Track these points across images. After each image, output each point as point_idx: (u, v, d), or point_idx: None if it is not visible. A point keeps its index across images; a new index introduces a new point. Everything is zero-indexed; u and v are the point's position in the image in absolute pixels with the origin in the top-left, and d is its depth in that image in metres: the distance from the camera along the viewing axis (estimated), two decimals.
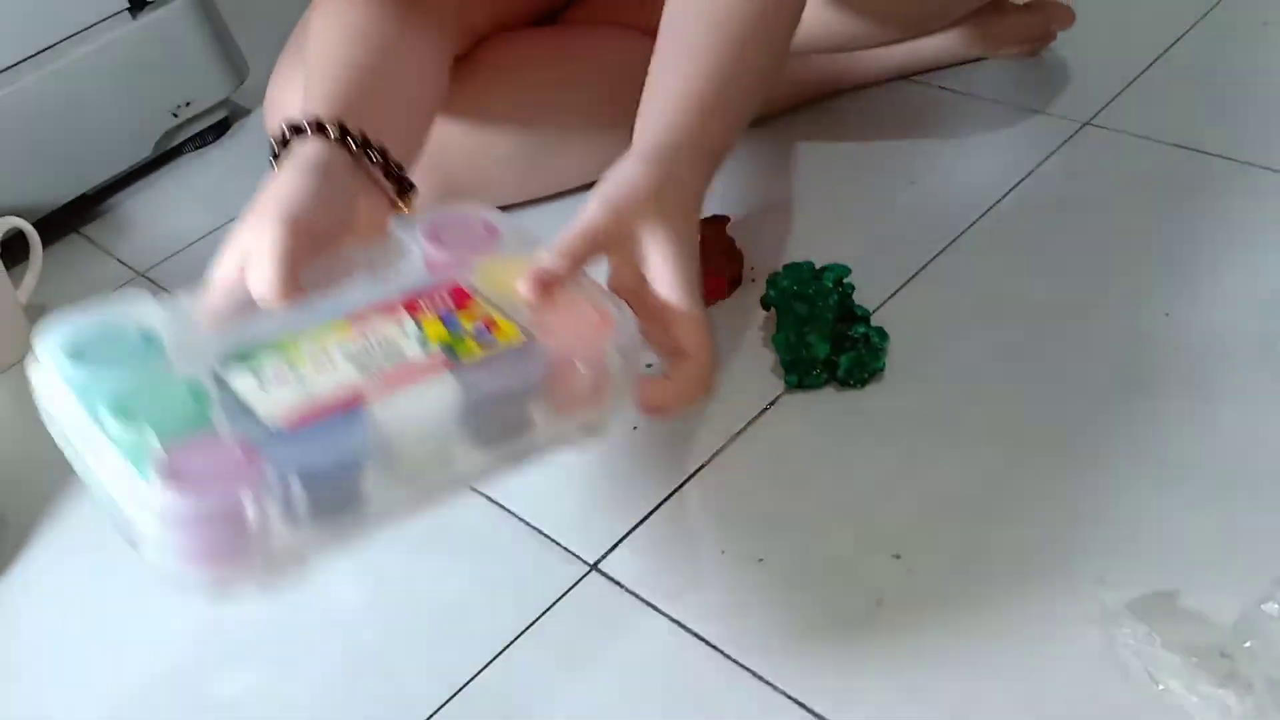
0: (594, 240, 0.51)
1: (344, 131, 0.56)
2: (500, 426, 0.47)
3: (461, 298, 0.48)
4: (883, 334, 0.67)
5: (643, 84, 0.81)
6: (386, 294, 0.49)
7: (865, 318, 0.67)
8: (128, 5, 0.92)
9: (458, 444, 0.46)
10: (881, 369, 0.66)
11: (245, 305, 0.49)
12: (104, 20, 0.91)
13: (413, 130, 0.63)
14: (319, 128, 0.55)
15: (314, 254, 0.50)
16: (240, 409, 0.43)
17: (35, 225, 0.86)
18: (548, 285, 0.48)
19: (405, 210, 0.58)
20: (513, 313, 0.48)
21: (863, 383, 0.66)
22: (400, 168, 0.58)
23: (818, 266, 0.69)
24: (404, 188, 0.58)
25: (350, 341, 0.46)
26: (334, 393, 0.43)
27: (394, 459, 0.44)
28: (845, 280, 0.68)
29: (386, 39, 0.63)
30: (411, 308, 0.48)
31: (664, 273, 0.52)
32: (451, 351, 0.46)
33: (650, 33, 0.84)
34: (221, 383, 0.44)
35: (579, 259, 0.50)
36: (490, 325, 0.47)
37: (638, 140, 0.56)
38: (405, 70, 0.64)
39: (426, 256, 0.51)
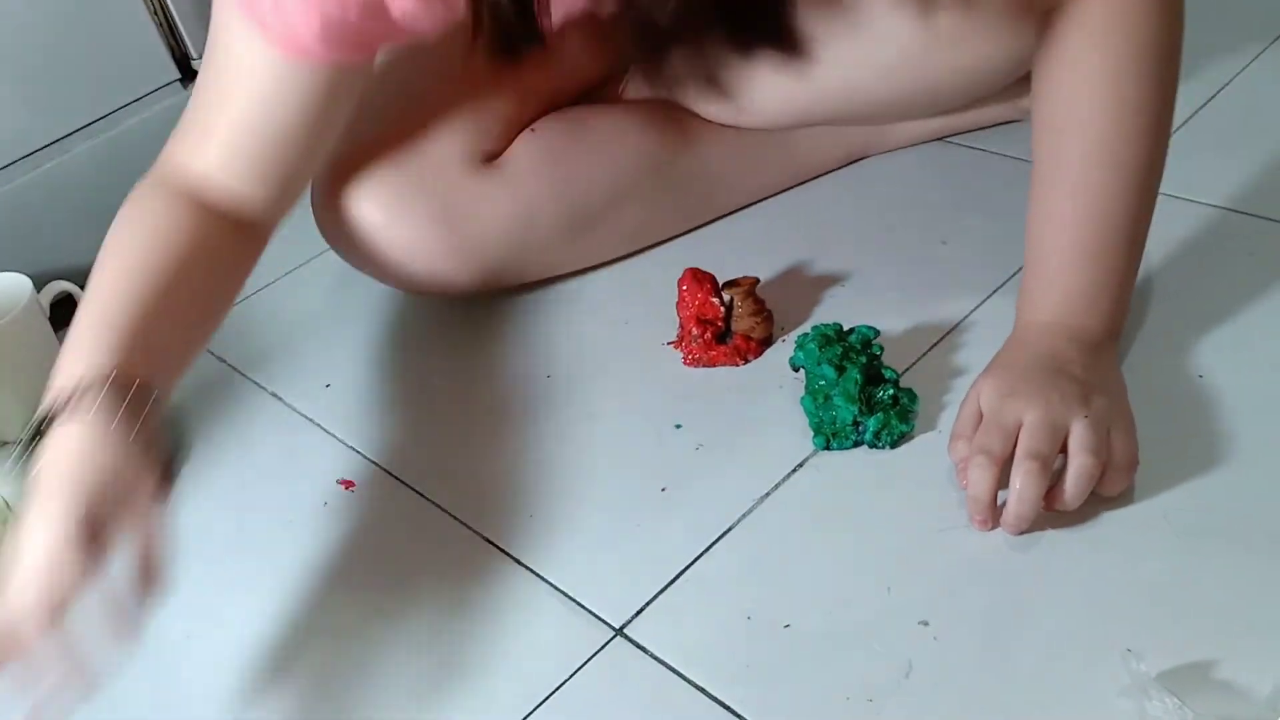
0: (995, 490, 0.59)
1: (123, 389, 0.55)
2: None
3: None
4: (912, 396, 0.66)
5: (678, 163, 0.83)
6: None
7: (894, 380, 0.67)
8: (179, 76, 0.96)
9: None
10: (909, 431, 0.66)
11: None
12: (156, 90, 0.95)
13: (186, 358, 0.64)
14: (102, 385, 0.55)
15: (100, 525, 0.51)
16: None
17: (83, 288, 0.89)
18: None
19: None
20: None
21: (891, 445, 0.65)
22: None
23: (846, 328, 0.69)
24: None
25: None
26: None
27: None
28: (874, 342, 0.69)
29: (170, 264, 0.62)
30: None
31: (1126, 447, 0.59)
32: None
33: (681, 108, 0.85)
34: None
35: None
36: None
37: (1076, 319, 0.62)
38: (185, 297, 0.63)
39: None
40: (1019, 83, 0.87)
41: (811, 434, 0.67)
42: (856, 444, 0.66)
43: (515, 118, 0.81)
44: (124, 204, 0.67)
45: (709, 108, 0.85)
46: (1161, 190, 0.80)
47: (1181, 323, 0.70)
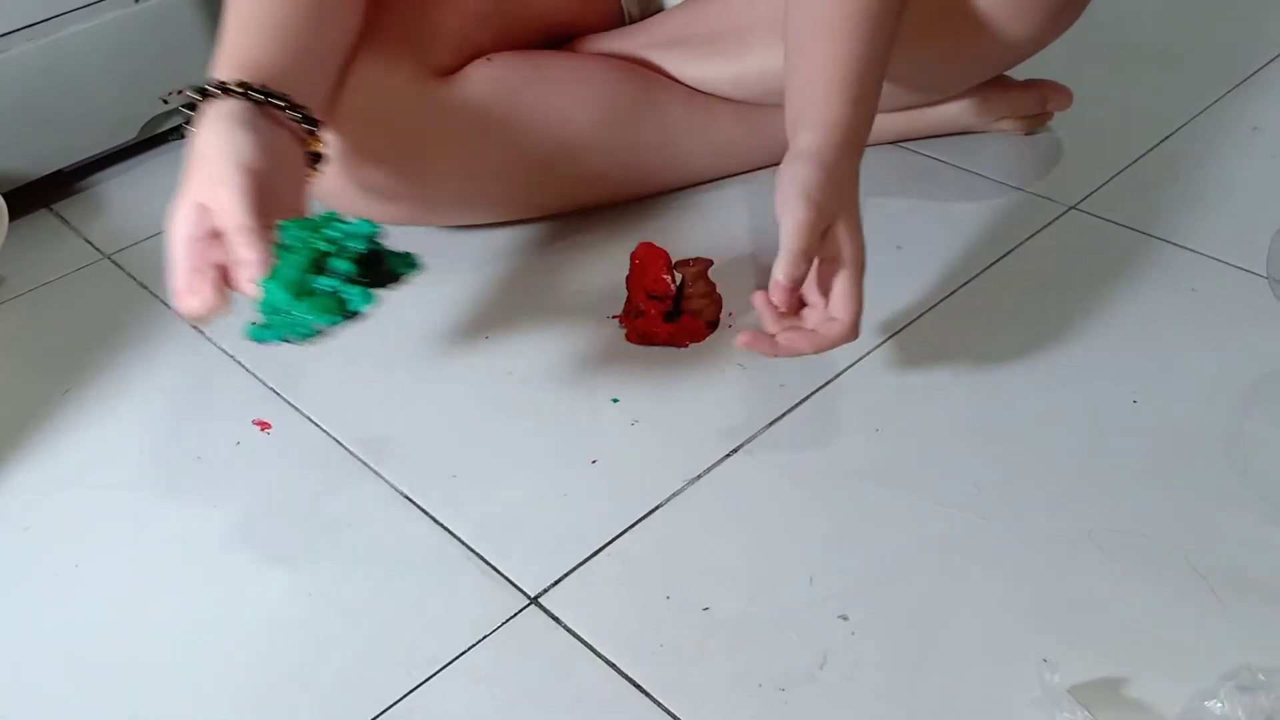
0: (815, 236, 0.60)
1: (246, 86, 0.60)
2: None
3: None
4: (366, 296, 0.59)
5: (639, 120, 0.82)
6: None
7: (349, 273, 0.58)
8: None
9: None
10: (332, 324, 0.58)
11: (211, 257, 0.58)
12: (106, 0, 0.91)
13: (322, 75, 0.68)
14: (224, 88, 0.60)
15: (265, 192, 0.57)
16: None
17: (6, 196, 0.84)
18: (796, 289, 0.60)
19: (317, 148, 0.65)
20: None
21: (303, 338, 0.59)
22: (305, 111, 0.63)
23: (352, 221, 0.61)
24: (312, 127, 0.64)
25: None
26: None
27: None
28: (362, 236, 0.60)
29: None
30: None
31: (854, 257, 0.61)
32: None
33: (653, 68, 0.84)
34: None
35: (810, 257, 0.60)
36: None
37: (805, 138, 0.63)
38: (314, 18, 0.67)
39: None
40: (981, 92, 0.88)
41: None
42: (285, 340, 0.59)
43: (464, 37, 0.79)
44: None
45: (691, 70, 0.84)
46: (1111, 218, 0.82)
47: (1120, 349, 0.70)
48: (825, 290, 0.62)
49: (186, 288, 0.58)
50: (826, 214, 0.60)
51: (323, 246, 0.58)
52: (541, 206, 0.84)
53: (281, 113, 0.62)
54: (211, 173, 0.58)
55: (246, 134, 0.59)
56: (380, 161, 0.75)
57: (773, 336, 0.61)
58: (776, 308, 0.61)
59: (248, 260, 0.56)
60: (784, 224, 0.60)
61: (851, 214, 0.62)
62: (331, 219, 0.60)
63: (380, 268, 0.60)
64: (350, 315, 0.59)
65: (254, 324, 0.59)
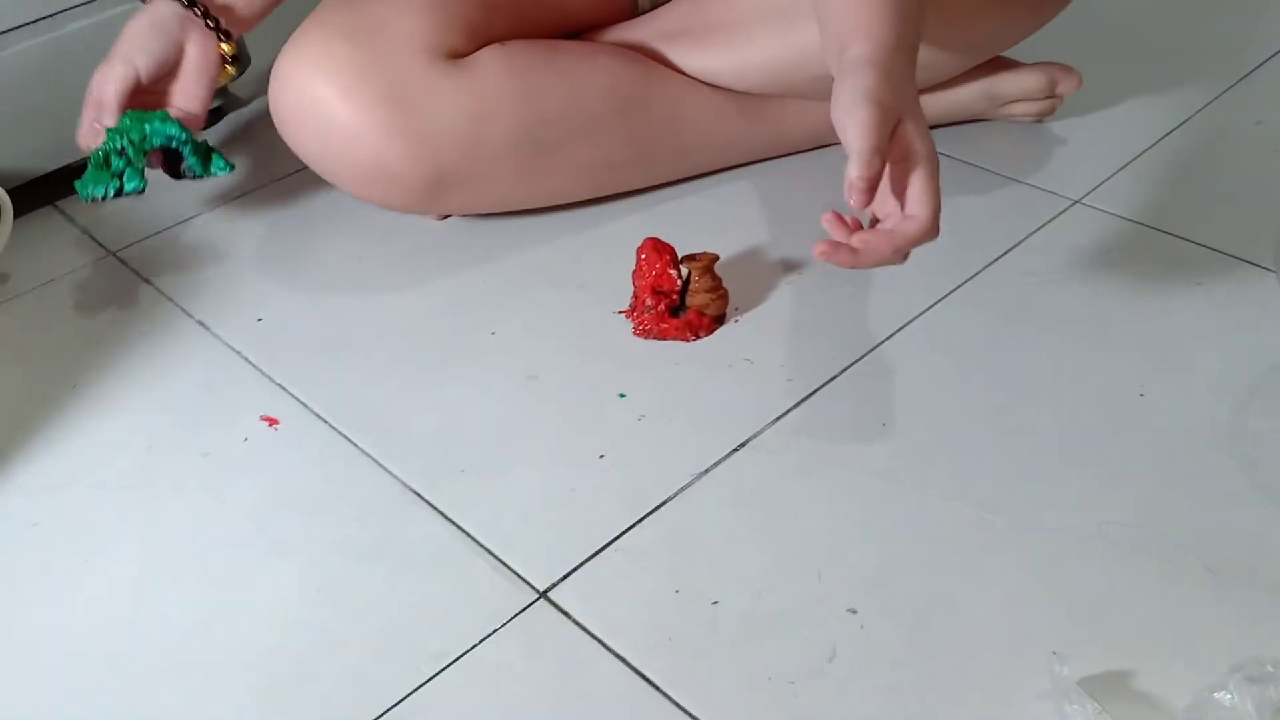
0: (885, 134, 0.57)
1: None
2: None
3: None
4: (135, 180, 0.77)
5: (649, 106, 0.82)
6: None
7: (139, 163, 0.78)
8: None
9: None
10: (105, 195, 0.77)
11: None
12: None
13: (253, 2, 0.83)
14: None
15: (141, 84, 0.78)
16: None
17: (10, 193, 0.84)
18: (871, 190, 0.57)
19: (229, 52, 0.81)
20: None
21: (88, 199, 0.78)
22: (218, 21, 0.80)
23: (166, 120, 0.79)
24: (225, 36, 0.81)
25: None
26: None
27: None
28: (156, 133, 0.78)
29: None
30: None
31: (927, 153, 0.59)
32: None
33: (658, 59, 0.84)
34: None
35: (883, 154, 0.57)
36: None
37: (855, 50, 0.61)
38: None
39: None
40: (988, 75, 0.88)
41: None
42: (89, 197, 0.78)
43: (479, 23, 0.79)
44: None
45: (696, 61, 0.84)
46: (1116, 212, 0.82)
47: (1126, 343, 0.70)
48: (899, 193, 0.59)
49: (85, 131, 0.79)
50: (892, 113, 0.58)
51: (132, 135, 0.77)
52: (550, 194, 0.84)
53: (200, 20, 0.79)
54: (117, 54, 0.77)
55: (154, 38, 0.77)
56: (394, 140, 0.75)
57: (850, 245, 0.58)
58: (844, 222, 0.59)
59: (97, 128, 0.78)
60: (848, 128, 0.57)
61: (917, 113, 0.60)
62: (155, 118, 0.79)
63: (178, 164, 0.80)
64: (123, 192, 0.78)
65: (79, 180, 0.78)
